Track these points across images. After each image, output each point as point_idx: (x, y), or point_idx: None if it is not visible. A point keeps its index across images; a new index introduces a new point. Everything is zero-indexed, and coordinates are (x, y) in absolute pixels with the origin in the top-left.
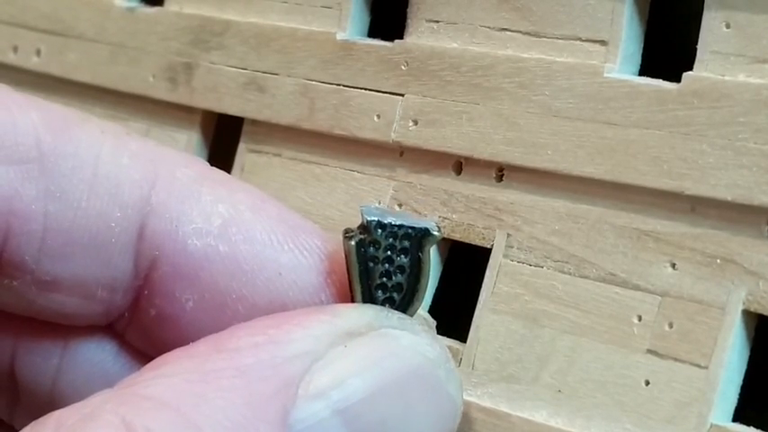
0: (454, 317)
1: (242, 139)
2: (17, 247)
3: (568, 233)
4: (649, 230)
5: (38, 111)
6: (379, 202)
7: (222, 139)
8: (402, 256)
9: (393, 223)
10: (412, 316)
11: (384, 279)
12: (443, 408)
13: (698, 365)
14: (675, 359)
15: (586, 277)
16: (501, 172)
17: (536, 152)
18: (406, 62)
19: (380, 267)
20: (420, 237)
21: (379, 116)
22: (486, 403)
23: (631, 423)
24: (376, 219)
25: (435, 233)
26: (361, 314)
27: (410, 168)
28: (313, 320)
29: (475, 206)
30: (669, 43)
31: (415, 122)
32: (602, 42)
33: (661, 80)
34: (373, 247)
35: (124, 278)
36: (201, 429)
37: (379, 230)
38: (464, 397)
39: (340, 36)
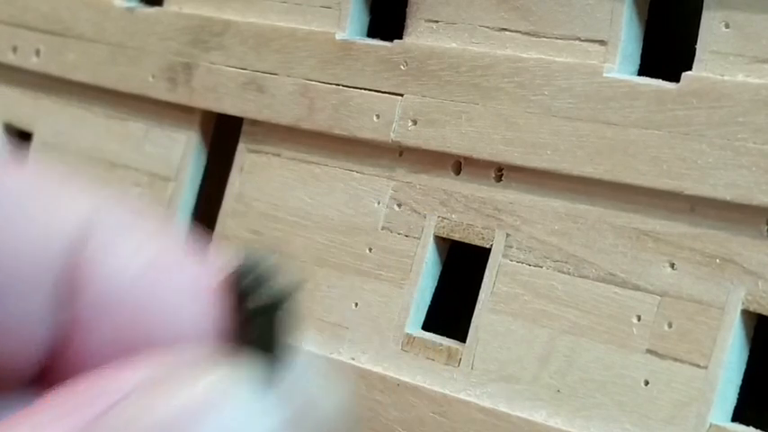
0: (454, 317)
1: (242, 139)
2: None
3: (568, 233)
4: (649, 230)
5: None
6: (379, 203)
7: (222, 139)
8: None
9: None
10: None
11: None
12: None
13: (697, 365)
14: (675, 359)
15: (586, 277)
16: (500, 172)
17: (535, 152)
18: (406, 62)
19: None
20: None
21: (378, 116)
22: (486, 403)
23: (631, 423)
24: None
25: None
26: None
27: (409, 168)
28: (146, 360)
29: (474, 206)
30: (669, 43)
31: (415, 122)
32: (602, 42)
33: (660, 80)
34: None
35: (49, 321)
36: None
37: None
38: (464, 397)
39: (339, 36)
